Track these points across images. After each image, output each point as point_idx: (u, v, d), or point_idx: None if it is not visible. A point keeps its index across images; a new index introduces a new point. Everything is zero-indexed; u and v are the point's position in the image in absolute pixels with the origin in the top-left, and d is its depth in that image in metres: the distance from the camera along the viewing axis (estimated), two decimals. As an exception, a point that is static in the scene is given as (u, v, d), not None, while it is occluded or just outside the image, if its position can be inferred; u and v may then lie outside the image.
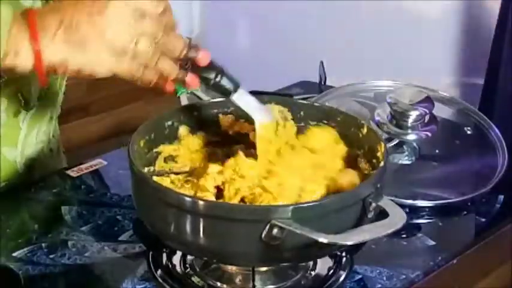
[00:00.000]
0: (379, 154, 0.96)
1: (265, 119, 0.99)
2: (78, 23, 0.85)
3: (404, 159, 1.21)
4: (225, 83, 0.95)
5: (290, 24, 2.23)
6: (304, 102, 1.10)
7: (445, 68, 1.92)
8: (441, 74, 1.90)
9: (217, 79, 0.94)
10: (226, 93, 0.96)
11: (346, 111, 1.06)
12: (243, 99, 0.97)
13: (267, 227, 0.83)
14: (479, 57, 1.73)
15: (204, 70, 0.93)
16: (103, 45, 0.86)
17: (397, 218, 0.86)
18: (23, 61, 0.86)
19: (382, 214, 0.87)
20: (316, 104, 1.12)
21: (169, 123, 1.04)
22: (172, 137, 1.04)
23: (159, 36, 0.87)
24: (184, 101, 1.11)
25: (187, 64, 0.92)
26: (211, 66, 0.94)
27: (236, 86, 0.96)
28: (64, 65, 0.86)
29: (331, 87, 1.41)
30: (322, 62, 1.47)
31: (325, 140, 1.02)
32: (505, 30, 1.56)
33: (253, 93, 1.35)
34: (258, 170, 0.96)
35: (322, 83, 1.46)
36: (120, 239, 1.03)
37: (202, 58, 0.92)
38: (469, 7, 1.84)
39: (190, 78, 0.92)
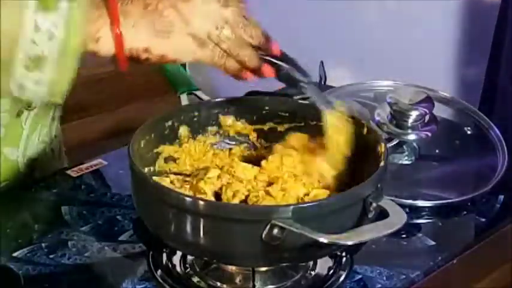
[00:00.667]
0: (379, 154, 0.96)
1: (332, 111, 0.99)
2: (162, 9, 0.87)
3: (404, 159, 1.21)
4: (296, 74, 0.97)
5: (290, 23, 2.23)
6: (304, 102, 1.10)
7: (445, 68, 1.92)
8: (441, 73, 1.90)
9: (288, 70, 0.96)
10: (295, 83, 0.97)
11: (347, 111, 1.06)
12: (312, 90, 0.98)
13: (268, 227, 0.83)
14: (479, 57, 1.73)
15: (275, 60, 0.96)
16: (188, 33, 0.88)
17: (397, 218, 0.86)
18: (104, 47, 0.88)
19: (382, 214, 0.87)
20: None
21: (170, 123, 1.04)
22: (173, 137, 1.04)
23: (240, 24, 0.90)
24: (184, 101, 1.11)
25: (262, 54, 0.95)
26: (282, 57, 0.96)
27: (306, 77, 0.97)
28: (147, 52, 0.88)
29: (331, 87, 1.41)
30: (322, 62, 1.47)
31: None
32: (505, 30, 1.56)
33: (254, 93, 1.35)
34: (256, 174, 0.96)
35: (322, 83, 1.46)
36: (120, 239, 1.03)
37: (275, 48, 0.95)
38: (468, 7, 1.84)
39: (266, 68, 0.94)
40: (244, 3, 0.92)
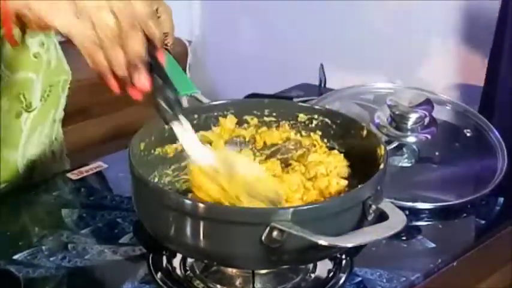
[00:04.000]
0: (379, 156, 0.96)
1: (201, 160, 0.91)
2: None
3: (404, 162, 1.21)
4: (170, 106, 0.86)
5: (290, 26, 2.23)
6: (304, 104, 1.10)
7: (445, 70, 1.92)
8: (441, 76, 1.90)
9: (164, 95, 0.86)
10: (164, 118, 0.87)
11: (346, 114, 1.06)
12: (183, 134, 0.90)
13: (267, 229, 0.83)
14: (479, 60, 1.73)
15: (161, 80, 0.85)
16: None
17: (397, 221, 0.86)
18: None
19: (382, 216, 0.87)
20: (316, 107, 1.12)
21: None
22: (172, 140, 1.04)
23: (126, 20, 0.80)
24: (184, 103, 1.11)
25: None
26: (167, 81, 0.86)
27: (174, 112, 0.87)
28: (26, 8, 0.82)
29: (331, 89, 1.41)
30: (322, 65, 1.47)
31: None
32: (505, 32, 1.56)
33: (253, 96, 1.36)
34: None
35: (322, 85, 1.47)
36: (120, 241, 1.03)
37: (160, 57, 0.85)
38: (468, 9, 1.84)
39: (143, 82, 0.83)
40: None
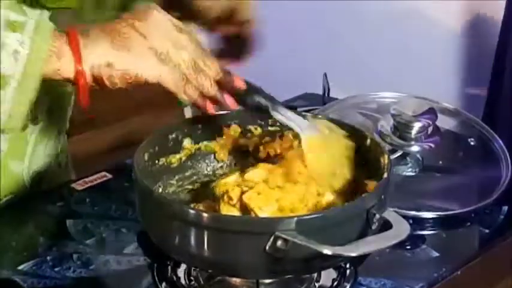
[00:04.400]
0: (382, 165, 0.96)
1: (309, 132, 1.00)
2: (120, 28, 0.89)
3: (407, 171, 1.21)
4: (262, 101, 0.98)
5: (293, 36, 2.23)
6: (308, 114, 1.10)
7: (449, 79, 1.92)
8: (444, 85, 1.90)
9: (254, 99, 0.98)
10: (264, 110, 0.99)
11: (350, 123, 1.06)
12: (283, 114, 1.00)
13: (271, 239, 0.83)
14: (483, 69, 1.74)
15: (244, 95, 0.98)
16: (146, 47, 0.89)
17: (401, 229, 0.86)
18: (65, 64, 0.88)
19: (386, 225, 0.87)
20: (319, 116, 1.12)
21: (173, 136, 1.04)
22: (177, 150, 1.05)
23: (197, 53, 0.91)
24: (188, 113, 1.11)
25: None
26: (247, 89, 0.98)
27: (273, 103, 0.99)
28: (109, 67, 0.88)
29: (335, 99, 1.42)
30: (325, 74, 1.48)
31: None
32: (508, 42, 1.57)
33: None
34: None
35: (326, 95, 1.47)
36: (124, 251, 1.03)
37: (238, 82, 0.96)
38: (472, 19, 1.85)
39: (228, 98, 0.96)
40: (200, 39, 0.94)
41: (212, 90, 0.93)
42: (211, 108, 0.95)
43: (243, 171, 0.99)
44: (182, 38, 0.91)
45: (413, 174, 1.21)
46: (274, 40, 2.29)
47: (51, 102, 1.14)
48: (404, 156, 1.22)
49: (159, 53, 0.89)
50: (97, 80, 0.89)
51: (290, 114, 1.00)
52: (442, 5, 1.89)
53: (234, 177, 0.99)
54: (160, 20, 0.91)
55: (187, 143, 1.06)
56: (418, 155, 1.23)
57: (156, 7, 0.92)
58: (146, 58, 0.89)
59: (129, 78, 0.89)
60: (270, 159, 1.05)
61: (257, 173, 0.99)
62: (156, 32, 0.90)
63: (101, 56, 0.88)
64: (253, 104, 0.98)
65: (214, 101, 0.95)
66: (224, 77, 0.94)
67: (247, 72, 2.27)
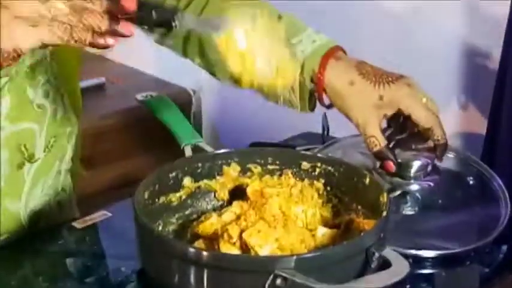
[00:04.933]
0: (381, 204, 0.96)
1: (222, 30, 0.92)
2: None
3: (407, 210, 1.21)
4: (162, 15, 0.87)
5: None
6: (307, 153, 1.11)
7: (447, 119, 1.93)
8: (443, 124, 1.90)
9: (152, 16, 0.86)
10: (169, 25, 0.88)
11: (349, 162, 1.07)
12: (189, 21, 0.88)
13: (271, 277, 0.83)
14: (481, 108, 1.74)
15: (140, 14, 0.86)
16: (12, 17, 0.82)
17: (400, 268, 0.86)
18: None
19: (385, 264, 0.87)
20: (319, 155, 1.13)
21: (174, 174, 1.05)
22: (177, 188, 1.05)
23: None
24: (188, 152, 1.12)
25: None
26: (142, 6, 0.86)
27: (175, 12, 0.87)
28: None
29: (334, 138, 1.42)
30: (325, 114, 1.48)
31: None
32: (505, 81, 1.57)
33: (257, 144, 1.36)
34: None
35: (326, 134, 1.47)
36: (124, 290, 1.03)
37: (126, 3, 0.84)
38: (469, 57, 1.85)
39: (123, 26, 0.85)
40: None
41: (103, 25, 0.84)
42: (110, 43, 0.85)
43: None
44: None
45: (412, 213, 1.21)
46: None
47: (50, 140, 1.14)
48: (403, 195, 1.22)
49: (28, 18, 0.82)
50: None
51: (197, 18, 0.92)
52: (437, 36, 1.90)
53: (213, 219, 0.99)
54: None
55: (187, 181, 1.07)
56: (418, 194, 1.23)
57: None
58: (16, 29, 0.82)
59: (9, 54, 0.84)
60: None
61: (229, 214, 1.00)
62: None
63: None
64: (153, 22, 0.87)
65: (112, 33, 0.85)
66: (112, 5, 0.84)
67: (250, 112, 2.28)
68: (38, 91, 1.11)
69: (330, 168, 1.07)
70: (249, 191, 1.03)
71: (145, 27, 0.89)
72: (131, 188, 0.98)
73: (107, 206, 1.23)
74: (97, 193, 2.13)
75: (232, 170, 1.08)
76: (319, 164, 1.08)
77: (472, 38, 1.81)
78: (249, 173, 1.08)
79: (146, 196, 1.00)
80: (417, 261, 1.08)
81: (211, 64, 1.21)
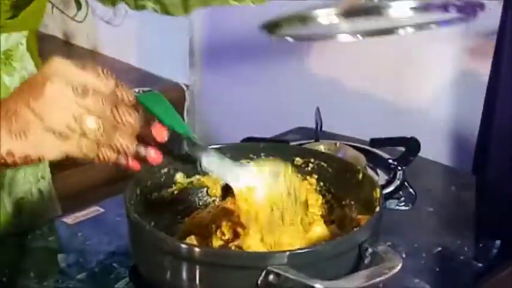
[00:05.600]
0: (375, 199, 0.96)
1: (243, 183, 0.95)
2: (18, 110, 0.82)
3: (400, 205, 1.21)
4: (191, 151, 0.90)
5: (286, 69, 2.24)
6: (301, 148, 1.11)
7: (439, 127, 1.92)
8: (436, 129, 1.90)
9: (180, 149, 0.89)
10: (194, 162, 0.91)
11: (342, 157, 1.07)
12: (214, 165, 0.93)
13: (263, 273, 0.83)
14: (473, 112, 1.74)
15: (169, 144, 0.88)
16: (44, 129, 0.81)
17: (393, 264, 0.86)
18: None
19: (378, 259, 0.87)
20: (312, 150, 1.12)
21: (166, 170, 1.04)
22: (169, 184, 1.05)
23: (107, 113, 0.82)
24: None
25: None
26: (173, 138, 0.88)
27: (201, 153, 0.91)
28: (11, 156, 0.83)
29: (327, 133, 1.42)
30: (318, 108, 1.48)
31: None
32: (496, 88, 1.58)
33: (250, 139, 1.36)
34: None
35: (319, 129, 1.47)
36: (116, 286, 1.02)
37: (157, 134, 0.86)
38: (457, 96, 1.85)
39: (152, 153, 0.86)
40: (122, 88, 0.84)
41: (131, 148, 0.84)
42: (135, 167, 0.86)
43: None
44: (86, 103, 0.81)
45: (406, 208, 1.21)
46: (267, 74, 2.30)
47: None
48: (397, 190, 1.22)
49: (58, 132, 0.81)
50: (3, 164, 0.84)
51: (222, 164, 0.94)
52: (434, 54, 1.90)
53: (204, 215, 1.01)
54: (57, 92, 0.81)
55: (179, 177, 1.06)
56: (411, 190, 1.23)
57: (55, 68, 0.82)
58: (45, 140, 0.82)
59: (32, 161, 0.84)
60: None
61: (222, 210, 1.01)
62: (54, 108, 0.81)
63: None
64: (180, 154, 0.89)
65: (138, 156, 0.86)
66: (145, 129, 0.85)
67: (243, 107, 2.29)
68: (15, 78, 1.12)
69: (323, 163, 1.07)
70: None
71: (172, 159, 0.90)
72: (123, 184, 0.98)
73: (100, 201, 1.23)
74: (89, 188, 2.13)
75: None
76: (312, 160, 1.07)
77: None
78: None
79: (138, 192, 0.99)
80: (410, 257, 1.08)
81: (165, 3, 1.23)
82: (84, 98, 0.81)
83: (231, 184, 0.95)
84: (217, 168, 0.93)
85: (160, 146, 0.86)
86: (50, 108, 0.81)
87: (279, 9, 1.00)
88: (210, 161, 0.92)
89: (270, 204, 0.95)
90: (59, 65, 0.82)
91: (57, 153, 0.83)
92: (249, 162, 1.01)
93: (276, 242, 0.94)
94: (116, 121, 0.83)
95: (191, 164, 0.91)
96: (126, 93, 0.84)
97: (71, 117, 0.81)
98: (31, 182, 1.20)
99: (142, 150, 0.85)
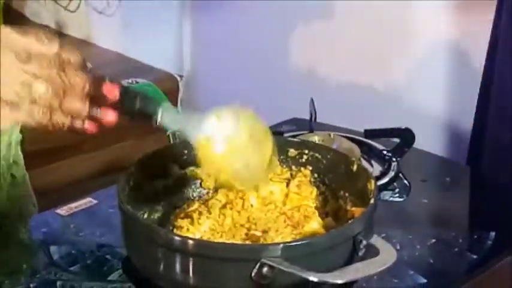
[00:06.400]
0: (369, 191, 0.95)
1: (202, 132, 0.92)
2: None
3: (395, 197, 1.21)
4: (145, 107, 0.88)
5: (280, 60, 2.24)
6: (294, 139, 1.10)
7: (434, 115, 1.92)
8: (433, 114, 1.90)
9: (134, 105, 0.87)
10: (150, 118, 0.88)
11: (336, 148, 1.06)
12: (170, 118, 0.90)
13: (257, 265, 0.82)
14: (468, 104, 1.73)
15: (122, 102, 0.86)
16: None
17: (388, 256, 0.85)
18: None
19: (373, 252, 0.87)
20: (306, 142, 1.12)
21: (159, 161, 1.04)
22: (163, 176, 1.04)
23: (53, 77, 0.80)
24: (174, 139, 1.11)
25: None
26: (126, 95, 0.87)
27: (157, 107, 0.88)
28: None
29: (321, 124, 1.42)
30: (312, 99, 1.47)
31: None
32: (491, 77, 1.57)
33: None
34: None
35: (313, 120, 1.46)
36: (109, 278, 1.02)
37: (108, 91, 0.85)
38: (452, 87, 1.85)
39: (106, 114, 0.85)
40: (67, 51, 0.82)
41: (84, 109, 0.83)
42: (91, 129, 0.85)
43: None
44: (32, 68, 0.80)
45: (400, 200, 1.21)
46: (261, 65, 2.30)
47: None
48: (391, 181, 1.22)
49: (7, 101, 0.80)
50: None
51: (179, 116, 0.91)
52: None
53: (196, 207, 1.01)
54: (1, 60, 0.79)
55: (173, 168, 1.06)
56: (406, 181, 1.23)
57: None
58: None
59: None
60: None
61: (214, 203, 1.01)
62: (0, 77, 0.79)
63: None
64: (134, 111, 0.87)
65: (92, 118, 0.85)
66: (96, 90, 0.84)
67: (238, 98, 2.27)
68: None
69: (317, 155, 1.06)
70: None
71: (128, 116, 0.88)
72: (117, 175, 0.97)
73: (93, 193, 1.22)
74: (82, 179, 2.12)
75: (219, 157, 1.07)
76: (306, 151, 1.07)
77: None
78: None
79: (131, 183, 0.99)
80: (404, 249, 1.08)
81: None
82: (28, 64, 0.80)
83: (189, 135, 0.91)
84: (173, 122, 0.90)
85: (114, 106, 0.85)
86: None
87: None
88: (165, 115, 0.89)
89: (232, 152, 0.92)
90: (0, 33, 0.80)
91: (8, 122, 0.81)
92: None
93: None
94: (64, 83, 0.81)
95: (147, 120, 0.88)
96: (72, 54, 0.82)
97: (18, 84, 0.80)
98: (3, 166, 1.18)
99: (95, 111, 0.84)
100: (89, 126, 0.85)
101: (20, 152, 1.24)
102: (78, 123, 0.84)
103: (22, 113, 0.81)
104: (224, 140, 0.92)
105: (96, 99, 0.84)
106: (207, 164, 0.93)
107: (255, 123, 0.96)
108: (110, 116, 0.85)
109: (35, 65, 0.80)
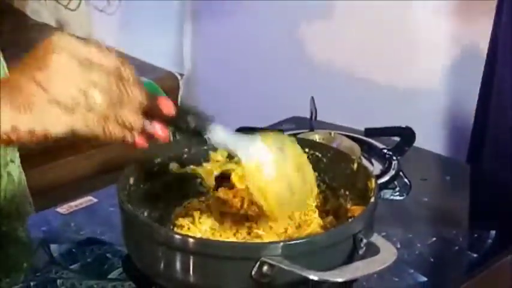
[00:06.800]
0: (369, 190, 0.95)
1: (251, 155, 0.93)
2: (22, 83, 0.80)
3: (395, 195, 1.21)
4: (198, 125, 0.88)
5: (281, 59, 2.24)
6: (295, 137, 1.10)
7: (435, 115, 1.91)
8: (431, 118, 1.90)
9: (187, 122, 0.88)
10: (202, 136, 0.89)
11: (336, 147, 1.06)
12: (222, 138, 0.91)
13: (257, 264, 0.82)
14: (468, 103, 1.73)
15: (176, 119, 0.87)
16: (48, 101, 0.80)
17: (388, 254, 0.85)
18: None
19: (373, 250, 0.86)
20: (306, 140, 1.12)
21: (159, 159, 1.04)
22: (163, 174, 1.04)
23: (112, 87, 0.81)
24: (174, 137, 1.11)
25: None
26: (178, 111, 0.87)
27: (208, 125, 0.89)
28: (15, 131, 0.80)
29: (322, 122, 1.42)
30: (312, 98, 1.47)
31: None
32: (493, 71, 1.57)
33: (244, 129, 1.35)
34: None
35: (313, 118, 1.46)
36: (109, 277, 1.02)
37: (164, 106, 0.86)
38: (453, 85, 1.85)
39: (159, 129, 0.87)
40: (126, 67, 0.82)
41: (138, 123, 0.83)
42: (142, 144, 0.86)
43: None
44: (92, 76, 0.80)
45: (401, 198, 1.21)
46: (261, 64, 2.30)
47: None
48: (392, 180, 1.22)
49: (63, 104, 0.79)
50: (8, 142, 0.82)
51: (229, 137, 0.92)
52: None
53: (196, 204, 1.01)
54: (63, 63, 0.80)
55: (173, 167, 1.05)
56: (406, 180, 1.23)
57: (58, 41, 0.80)
58: (49, 113, 0.80)
59: (37, 138, 0.81)
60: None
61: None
62: (59, 79, 0.79)
63: (4, 122, 0.80)
64: (187, 129, 0.88)
65: (144, 132, 0.86)
66: (151, 104, 0.84)
67: (238, 97, 2.27)
68: None
69: (317, 153, 1.06)
70: (233, 178, 1.02)
71: (178, 132, 0.89)
72: (117, 174, 0.97)
73: (93, 191, 1.22)
74: (83, 178, 2.12)
75: (220, 156, 1.07)
76: (306, 150, 1.06)
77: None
78: (236, 158, 1.07)
79: (131, 182, 0.99)
80: (405, 247, 1.08)
81: None
82: (89, 72, 0.80)
83: (242, 159, 0.92)
84: (225, 142, 0.91)
85: (167, 122, 0.86)
86: (55, 79, 0.79)
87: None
88: (218, 134, 0.90)
89: (281, 181, 0.93)
90: (62, 38, 0.80)
91: (62, 127, 0.81)
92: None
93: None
94: (122, 95, 0.81)
95: (199, 138, 0.89)
96: (130, 69, 0.82)
97: (76, 89, 0.80)
98: None
99: (149, 125, 0.85)
100: (139, 140, 0.85)
101: (17, 152, 1.24)
102: (129, 136, 0.84)
103: (77, 119, 0.80)
104: (272, 166, 0.93)
105: (149, 114, 0.85)
106: (255, 191, 0.93)
107: (299, 150, 0.96)
108: (162, 132, 0.86)
109: (96, 74, 0.80)
